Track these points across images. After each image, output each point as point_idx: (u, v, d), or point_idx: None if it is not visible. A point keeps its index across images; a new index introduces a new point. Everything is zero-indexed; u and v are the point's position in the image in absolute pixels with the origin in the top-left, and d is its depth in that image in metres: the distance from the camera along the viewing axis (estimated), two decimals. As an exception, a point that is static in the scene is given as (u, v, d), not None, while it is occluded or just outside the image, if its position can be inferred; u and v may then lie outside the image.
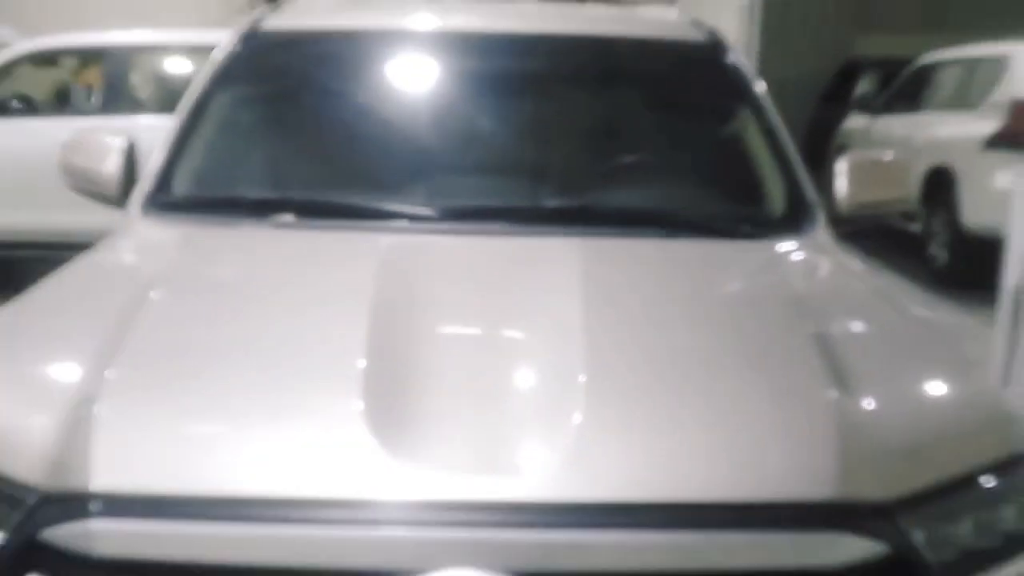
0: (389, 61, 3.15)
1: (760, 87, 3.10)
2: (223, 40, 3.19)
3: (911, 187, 2.92)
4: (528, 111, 3.13)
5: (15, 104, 8.11)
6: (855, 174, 2.80)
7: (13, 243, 7.34)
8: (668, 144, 3.13)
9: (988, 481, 1.63)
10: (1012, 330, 5.20)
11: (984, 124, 8.16)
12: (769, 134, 2.92)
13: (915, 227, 9.24)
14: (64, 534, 1.44)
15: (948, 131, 8.76)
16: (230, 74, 3.05)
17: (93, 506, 1.45)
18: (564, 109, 3.19)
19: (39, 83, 8.74)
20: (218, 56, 3.11)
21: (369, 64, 3.13)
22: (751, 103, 3.03)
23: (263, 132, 3.15)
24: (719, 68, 3.14)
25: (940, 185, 8.71)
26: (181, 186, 2.76)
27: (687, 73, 3.23)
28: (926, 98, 9.76)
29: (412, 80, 3.11)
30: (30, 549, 1.46)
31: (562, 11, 3.62)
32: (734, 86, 3.10)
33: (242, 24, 3.26)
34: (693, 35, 3.28)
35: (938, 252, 8.82)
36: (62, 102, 8.33)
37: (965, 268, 8.19)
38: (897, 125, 10.04)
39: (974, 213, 8.14)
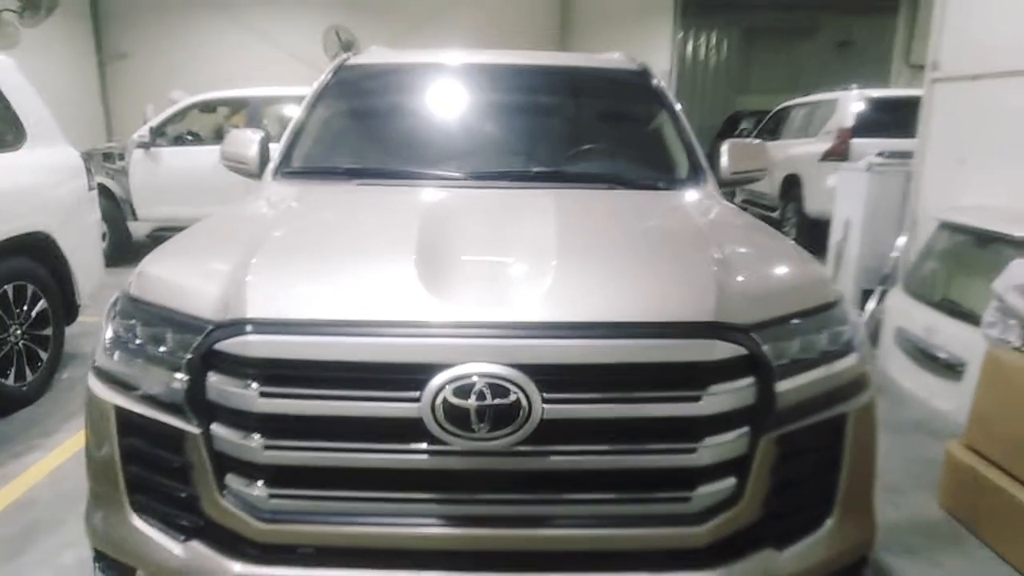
0: (427, 83, 3.14)
1: (674, 100, 3.12)
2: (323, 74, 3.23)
3: (767, 163, 2.93)
4: (522, 113, 3.12)
5: (188, 137, 8.14)
6: (732, 153, 2.83)
7: (183, 226, 7.41)
8: (614, 134, 3.14)
9: (810, 317, 1.68)
10: (835, 268, 5.27)
11: (821, 145, 8.13)
12: (679, 128, 2.95)
13: (775, 214, 9.29)
14: (229, 345, 1.50)
15: (797, 150, 8.71)
16: (325, 93, 3.08)
17: (247, 328, 1.50)
18: (546, 112, 3.18)
19: (203, 124, 8.74)
20: (318, 83, 3.14)
21: (414, 85, 3.13)
22: (668, 109, 3.05)
23: (347, 128, 3.15)
24: (648, 87, 3.15)
25: (792, 186, 8.70)
26: (296, 162, 2.79)
27: (627, 90, 3.23)
28: (783, 130, 9.70)
29: (443, 94, 3.10)
30: (209, 356, 1.52)
31: (544, 54, 3.59)
32: (657, 98, 3.10)
33: (334, 64, 3.29)
34: (631, 66, 3.29)
35: (790, 230, 8.76)
36: (218, 136, 8.34)
37: (807, 240, 8.17)
38: (764, 149, 9.99)
39: (813, 204, 8.15)
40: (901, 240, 4.85)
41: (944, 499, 3.01)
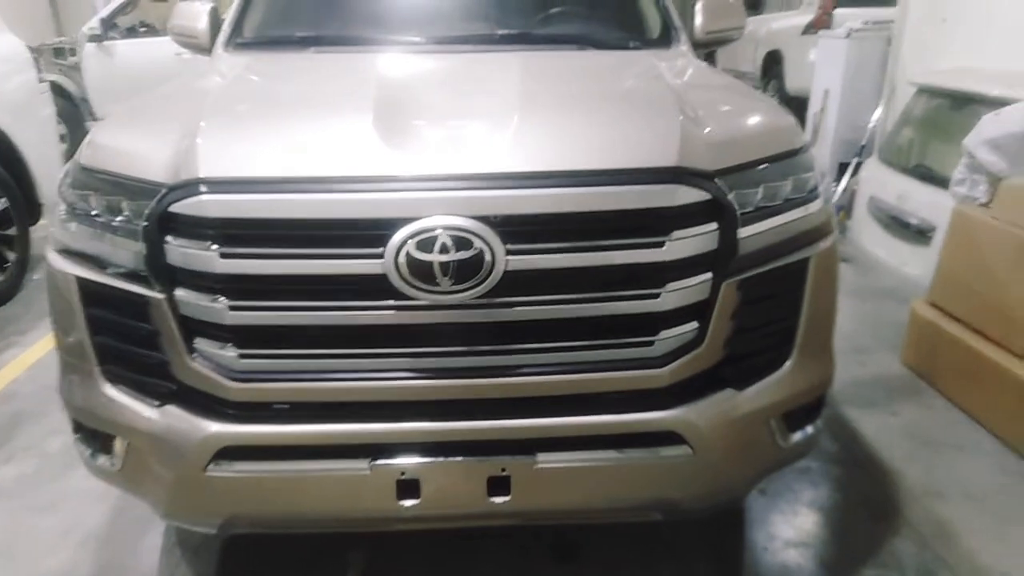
0: None
1: None
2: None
3: (744, 21, 2.83)
4: None
5: (141, 28, 7.78)
6: (707, 10, 2.74)
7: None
8: None
9: (775, 163, 1.66)
10: (812, 141, 5.24)
11: (803, 18, 7.91)
12: None
13: (756, 94, 9.17)
14: (185, 206, 1.47)
15: (779, 24, 8.49)
16: None
17: (201, 187, 1.47)
18: None
19: (159, 13, 8.33)
20: None
21: None
22: None
23: None
24: None
25: (773, 63, 8.54)
26: (248, 32, 2.69)
27: None
28: (765, 4, 9.42)
29: None
30: (165, 220, 1.49)
31: None
32: None
33: None
34: None
35: (771, 110, 8.71)
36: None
37: (787, 119, 8.10)
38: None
39: (794, 80, 8.01)
40: (878, 110, 4.80)
41: (907, 356, 3.13)
